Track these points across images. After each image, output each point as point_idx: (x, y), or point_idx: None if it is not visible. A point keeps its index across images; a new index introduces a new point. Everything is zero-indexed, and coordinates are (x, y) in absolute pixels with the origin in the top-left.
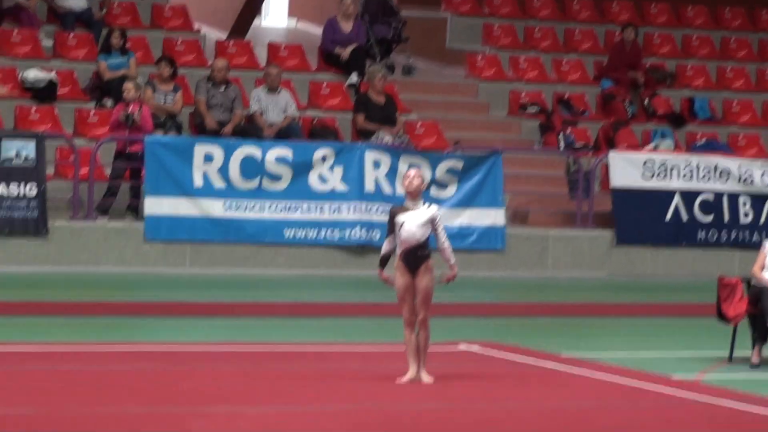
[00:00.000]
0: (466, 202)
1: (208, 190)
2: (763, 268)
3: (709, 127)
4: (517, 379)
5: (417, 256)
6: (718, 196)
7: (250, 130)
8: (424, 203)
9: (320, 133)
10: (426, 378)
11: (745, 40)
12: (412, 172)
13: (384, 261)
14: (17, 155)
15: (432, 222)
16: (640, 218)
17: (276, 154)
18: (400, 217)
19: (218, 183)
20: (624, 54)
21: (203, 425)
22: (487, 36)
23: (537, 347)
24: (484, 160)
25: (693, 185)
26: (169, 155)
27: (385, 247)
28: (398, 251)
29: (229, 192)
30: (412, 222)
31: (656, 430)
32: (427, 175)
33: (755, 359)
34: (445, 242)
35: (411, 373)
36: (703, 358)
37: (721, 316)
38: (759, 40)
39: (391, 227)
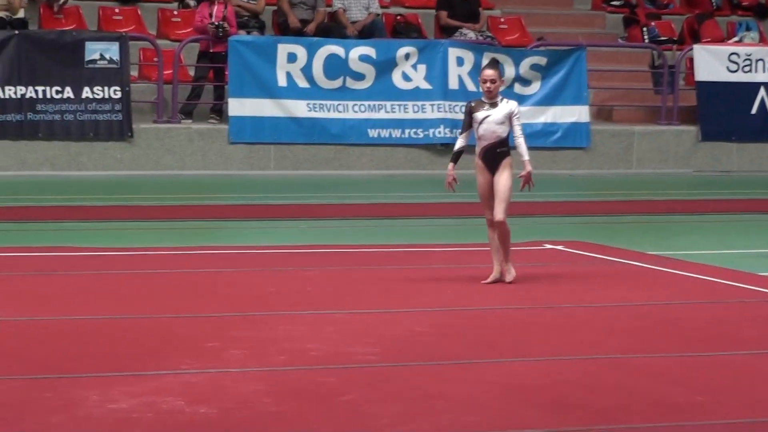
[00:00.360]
0: (550, 99)
1: (291, 91)
2: None
3: None
4: (603, 278)
5: (496, 153)
6: None
7: (333, 28)
8: (502, 99)
9: (403, 30)
10: (509, 277)
11: None
12: (488, 73)
13: (457, 156)
14: (101, 57)
15: (510, 117)
16: (726, 112)
17: (359, 53)
18: (478, 114)
19: (302, 83)
20: None
21: (288, 328)
22: None
23: (622, 246)
24: (568, 56)
25: None
26: (253, 55)
27: (459, 143)
28: (477, 149)
29: (313, 92)
30: (491, 119)
31: (742, 328)
32: (511, 71)
33: None
34: (520, 137)
35: (495, 274)
36: None
37: None
38: None
39: (468, 123)
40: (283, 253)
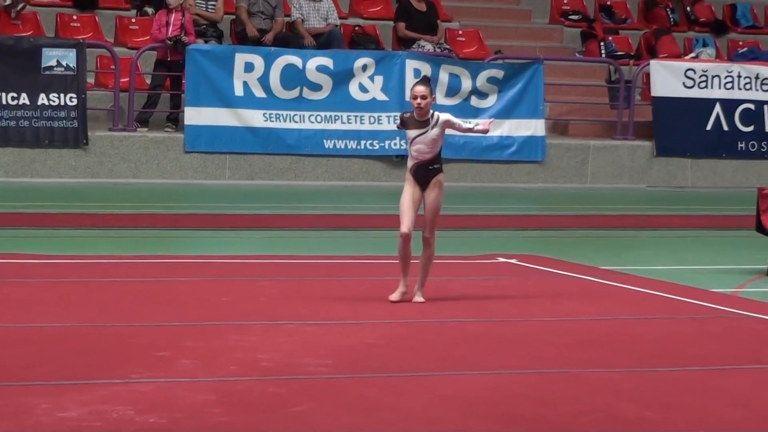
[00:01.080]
0: (507, 112)
1: (248, 100)
2: None
3: (751, 35)
4: (556, 292)
5: (428, 169)
6: (759, 105)
7: (291, 38)
8: (432, 114)
9: (361, 41)
10: (419, 299)
11: None
12: (418, 89)
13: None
14: (58, 64)
15: (443, 129)
16: (681, 128)
17: (317, 63)
18: (411, 132)
19: (259, 92)
20: None
21: (240, 338)
22: None
23: (576, 260)
24: (525, 69)
25: (734, 94)
26: (210, 64)
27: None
28: (408, 164)
29: (270, 102)
30: (423, 138)
31: (694, 343)
32: (468, 84)
33: None
34: (469, 123)
35: (402, 289)
36: (741, 270)
37: (761, 227)
38: None
39: (401, 125)
40: (237, 263)
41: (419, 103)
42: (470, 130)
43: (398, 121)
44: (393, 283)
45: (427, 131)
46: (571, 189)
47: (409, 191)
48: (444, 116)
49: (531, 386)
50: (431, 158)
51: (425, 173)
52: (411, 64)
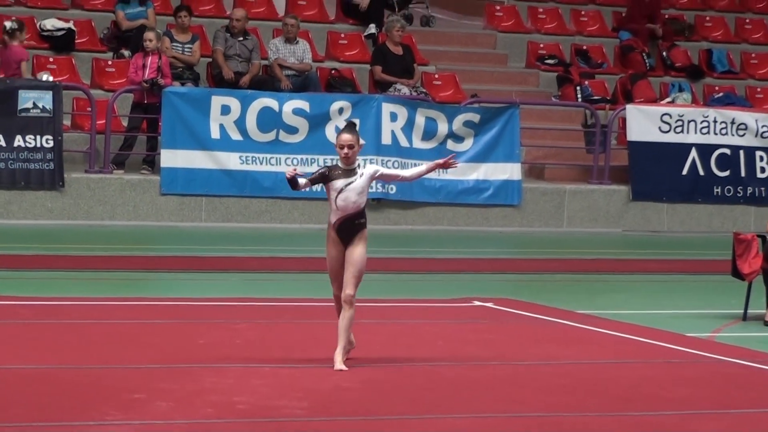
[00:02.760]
0: (483, 155)
1: (224, 143)
2: None
3: (726, 80)
4: (531, 336)
5: (354, 224)
6: (735, 150)
7: (267, 81)
8: (358, 164)
9: (338, 84)
10: (341, 366)
11: None
12: (345, 138)
13: (294, 184)
14: (34, 106)
15: (372, 180)
16: (657, 173)
17: (293, 106)
18: (338, 183)
19: (235, 135)
20: (643, 5)
21: (216, 381)
22: None
23: (551, 304)
24: (501, 113)
25: (710, 139)
26: (186, 107)
27: (302, 181)
28: (332, 220)
29: (246, 145)
30: (352, 187)
31: (669, 388)
32: (444, 128)
33: None
34: (408, 171)
35: (347, 347)
36: (717, 315)
37: (736, 272)
38: None
39: (318, 180)
40: (213, 306)
41: (347, 153)
42: (419, 174)
43: (317, 176)
44: (370, 326)
45: (355, 180)
46: (547, 233)
47: (333, 254)
48: (373, 168)
49: (506, 430)
50: (358, 212)
51: (351, 228)
52: (387, 107)
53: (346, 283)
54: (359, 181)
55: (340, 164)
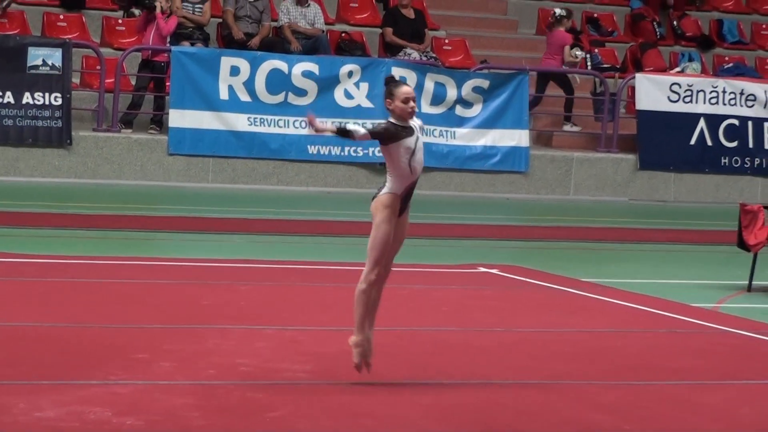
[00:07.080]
0: (491, 122)
1: (233, 104)
2: None
3: (736, 50)
4: (536, 303)
5: (412, 191)
6: (743, 121)
7: (277, 43)
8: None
9: (348, 47)
10: (357, 357)
11: None
12: (409, 90)
13: (345, 133)
14: (44, 63)
15: None
16: (665, 142)
17: (302, 69)
18: (410, 141)
19: (244, 96)
20: None
21: (219, 342)
22: None
23: (557, 271)
24: (511, 79)
25: (718, 110)
26: (195, 67)
27: (360, 132)
28: (399, 188)
29: (254, 106)
30: (420, 149)
31: (673, 358)
32: (453, 93)
33: None
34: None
35: (364, 344)
36: (722, 286)
37: (742, 243)
38: None
39: (388, 139)
40: (218, 267)
41: (413, 107)
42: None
43: (380, 131)
44: None
45: (419, 137)
46: (553, 200)
47: (390, 231)
48: (419, 120)
49: (509, 397)
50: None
51: (410, 196)
52: (397, 72)
53: (390, 259)
54: (422, 137)
55: (395, 121)
